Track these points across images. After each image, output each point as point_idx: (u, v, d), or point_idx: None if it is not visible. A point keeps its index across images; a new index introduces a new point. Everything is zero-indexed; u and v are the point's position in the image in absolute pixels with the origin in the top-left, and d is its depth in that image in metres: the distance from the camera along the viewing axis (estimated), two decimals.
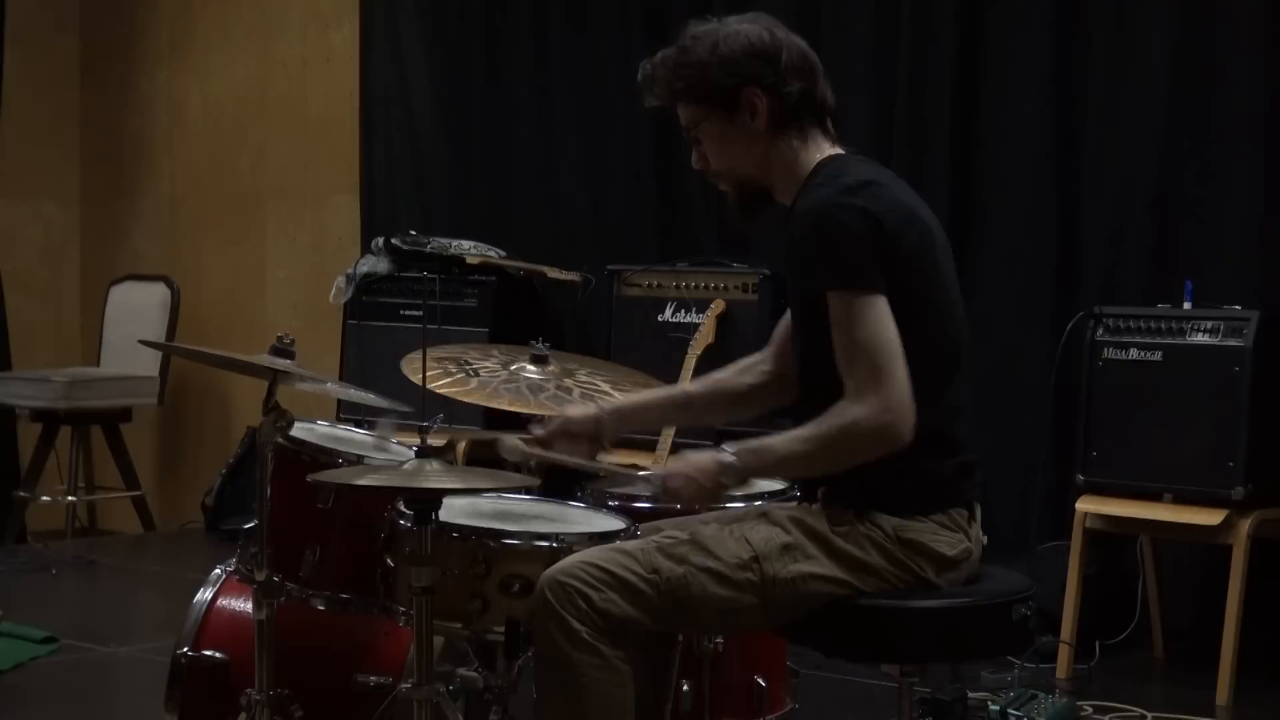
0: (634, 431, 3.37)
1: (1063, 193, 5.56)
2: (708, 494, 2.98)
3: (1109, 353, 4.96)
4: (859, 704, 4.64)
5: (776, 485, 3.35)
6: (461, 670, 3.17)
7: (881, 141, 5.80)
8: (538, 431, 3.20)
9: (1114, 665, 5.05)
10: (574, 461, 3.19)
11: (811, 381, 3.01)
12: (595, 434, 3.21)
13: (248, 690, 3.24)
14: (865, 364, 2.83)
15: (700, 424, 4.41)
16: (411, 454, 3.01)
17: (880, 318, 2.84)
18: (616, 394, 3.43)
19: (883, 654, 3.05)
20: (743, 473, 2.94)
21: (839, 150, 3.06)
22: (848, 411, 2.84)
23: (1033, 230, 5.62)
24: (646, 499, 3.33)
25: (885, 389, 2.82)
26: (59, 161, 8.55)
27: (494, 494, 3.30)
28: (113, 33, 8.47)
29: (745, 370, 3.31)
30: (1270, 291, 5.08)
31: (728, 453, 2.94)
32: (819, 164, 3.02)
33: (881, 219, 2.87)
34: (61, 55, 8.54)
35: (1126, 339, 4.93)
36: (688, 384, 4.14)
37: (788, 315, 3.16)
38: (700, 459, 2.97)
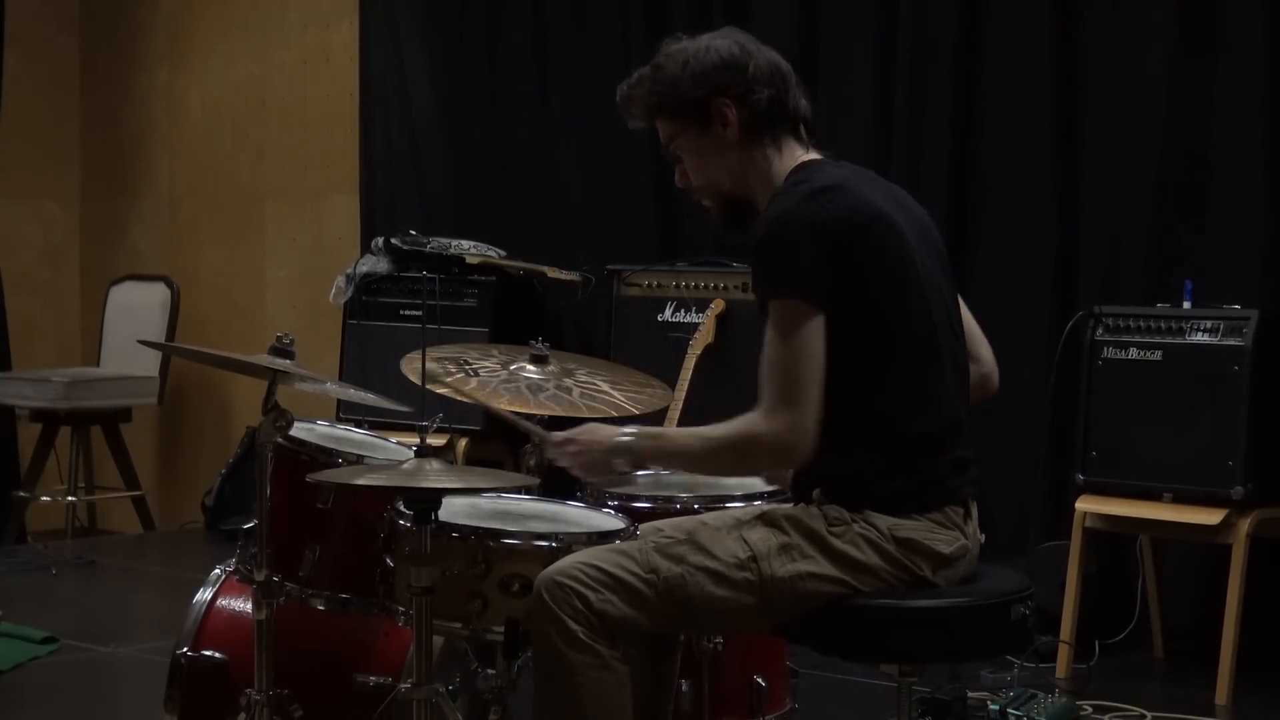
0: None
1: (1063, 193, 5.56)
2: (597, 467, 3.04)
3: (1109, 352, 4.96)
4: (859, 704, 4.64)
5: (773, 485, 3.35)
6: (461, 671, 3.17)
7: (881, 143, 5.80)
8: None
9: (1113, 665, 5.05)
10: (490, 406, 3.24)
11: None
12: None
13: (247, 690, 3.24)
14: (782, 382, 2.86)
15: None
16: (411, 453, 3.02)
17: (810, 336, 2.85)
18: (617, 394, 3.43)
19: (881, 654, 3.04)
20: (638, 455, 3.00)
21: (814, 155, 3.06)
22: (754, 424, 2.88)
23: (1033, 230, 5.62)
24: (646, 499, 3.33)
25: (796, 411, 2.84)
26: (59, 161, 8.55)
27: (494, 494, 3.31)
28: (113, 33, 8.46)
29: None
30: (1270, 291, 5.08)
31: (627, 432, 3.00)
32: (791, 171, 3.02)
33: (833, 227, 2.86)
34: (61, 55, 8.54)
35: (1126, 338, 4.93)
36: None
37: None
38: (600, 432, 3.04)
